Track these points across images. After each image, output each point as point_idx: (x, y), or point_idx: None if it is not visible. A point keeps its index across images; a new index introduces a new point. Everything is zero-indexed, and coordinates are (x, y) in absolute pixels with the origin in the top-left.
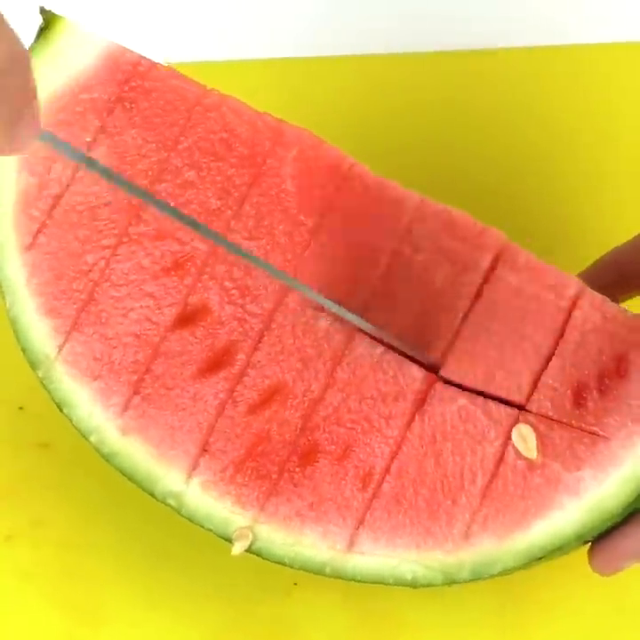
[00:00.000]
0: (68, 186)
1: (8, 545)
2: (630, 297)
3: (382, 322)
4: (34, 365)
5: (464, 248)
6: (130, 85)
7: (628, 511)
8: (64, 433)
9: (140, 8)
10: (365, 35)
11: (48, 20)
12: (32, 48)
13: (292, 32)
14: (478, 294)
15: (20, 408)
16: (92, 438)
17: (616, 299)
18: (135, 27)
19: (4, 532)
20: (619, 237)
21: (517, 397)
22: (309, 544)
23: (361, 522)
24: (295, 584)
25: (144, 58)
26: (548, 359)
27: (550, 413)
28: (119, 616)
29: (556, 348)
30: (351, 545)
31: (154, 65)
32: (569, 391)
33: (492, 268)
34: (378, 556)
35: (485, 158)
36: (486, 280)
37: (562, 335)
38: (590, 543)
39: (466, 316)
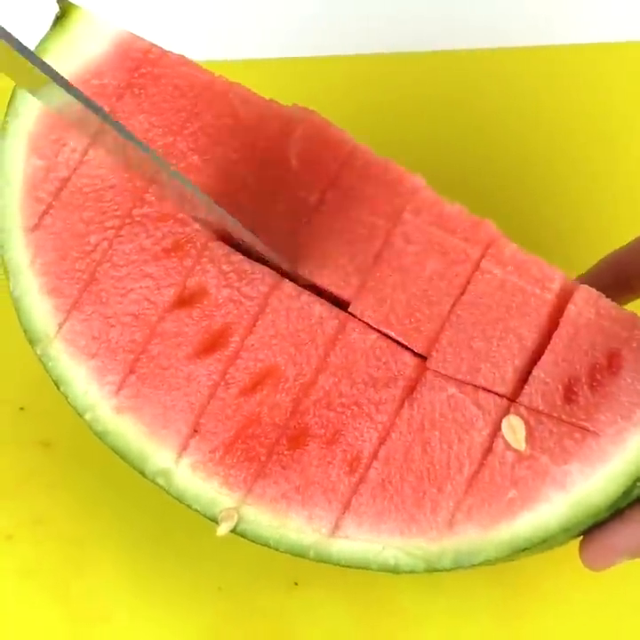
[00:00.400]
0: (75, 169)
1: (10, 543)
2: (630, 300)
3: (372, 306)
4: (33, 343)
5: (455, 241)
6: (140, 72)
7: (615, 508)
8: (65, 432)
9: (140, 8)
10: (365, 35)
11: (64, 9)
12: (48, 36)
13: (291, 32)
14: (466, 286)
15: (22, 408)
16: (87, 416)
17: (617, 302)
18: (135, 27)
19: (6, 531)
20: (619, 236)
21: (501, 389)
22: (295, 527)
23: (347, 506)
24: (296, 583)
25: (155, 45)
26: (533, 352)
27: (541, 407)
28: (121, 613)
29: (540, 342)
30: (336, 529)
31: (164, 52)
32: (560, 386)
33: (480, 260)
34: (362, 541)
35: (485, 158)
36: (473, 272)
37: (551, 329)
38: (580, 538)
39: (452, 308)
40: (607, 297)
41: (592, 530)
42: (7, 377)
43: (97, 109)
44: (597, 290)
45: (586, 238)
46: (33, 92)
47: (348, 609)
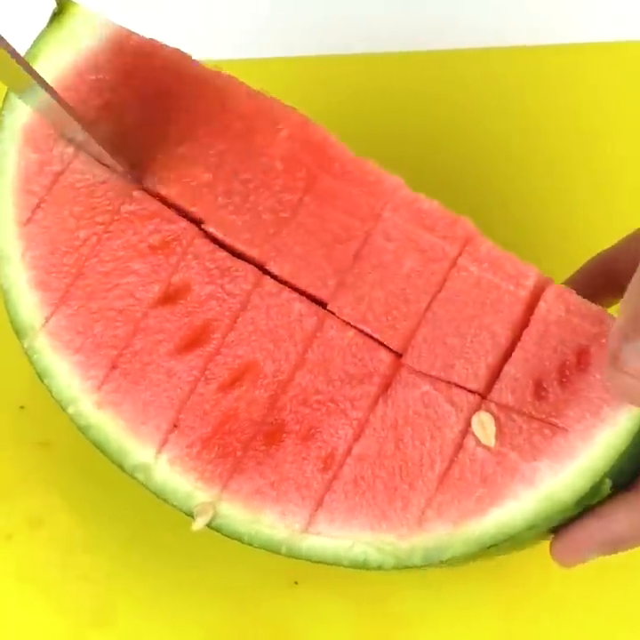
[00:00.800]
0: (68, 163)
1: (8, 544)
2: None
3: (351, 303)
4: (20, 335)
5: (433, 238)
6: (134, 66)
7: (583, 505)
8: (64, 432)
9: (140, 8)
10: (365, 34)
11: (61, 6)
12: (45, 32)
13: (291, 32)
14: (443, 283)
15: (21, 407)
16: (70, 410)
17: (607, 301)
18: (136, 26)
19: (4, 531)
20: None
21: (475, 386)
22: (268, 523)
23: (320, 503)
24: (296, 583)
25: (150, 39)
26: (506, 349)
27: (511, 403)
28: (119, 615)
29: (514, 339)
30: (308, 525)
31: (160, 46)
32: (530, 382)
33: (456, 257)
34: (333, 538)
35: (484, 158)
36: (450, 270)
37: (524, 326)
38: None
39: (429, 305)
40: (597, 297)
41: (559, 528)
42: (7, 377)
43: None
44: (587, 290)
45: (586, 238)
46: (19, 94)
47: (347, 608)
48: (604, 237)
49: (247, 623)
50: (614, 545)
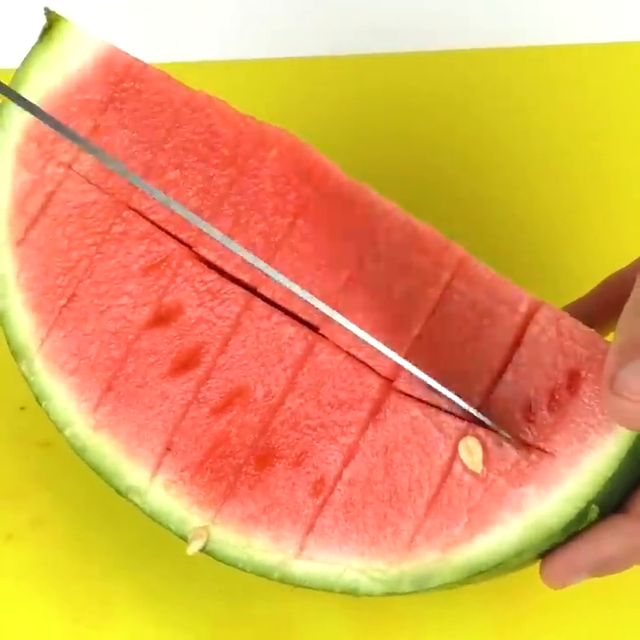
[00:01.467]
0: (60, 183)
1: (9, 544)
2: None
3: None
4: (17, 358)
5: (425, 262)
6: (121, 87)
7: (570, 531)
8: None
9: (140, 8)
10: (365, 35)
11: (51, 21)
12: (35, 48)
13: (290, 32)
14: (435, 308)
15: (22, 408)
16: (66, 432)
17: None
18: (137, 26)
19: (5, 531)
20: (620, 236)
21: (465, 412)
22: (260, 547)
23: (311, 528)
24: (295, 586)
25: (136, 60)
26: (499, 374)
27: (499, 427)
28: (119, 615)
29: (507, 363)
30: (300, 550)
31: (145, 67)
32: (519, 405)
33: (450, 280)
34: (325, 563)
35: (483, 158)
36: (443, 293)
37: (516, 348)
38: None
39: (421, 329)
40: (606, 321)
41: (548, 553)
42: (7, 377)
43: (74, 137)
44: (595, 315)
45: (587, 239)
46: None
47: (346, 612)
48: (605, 238)
49: (246, 626)
50: (602, 568)
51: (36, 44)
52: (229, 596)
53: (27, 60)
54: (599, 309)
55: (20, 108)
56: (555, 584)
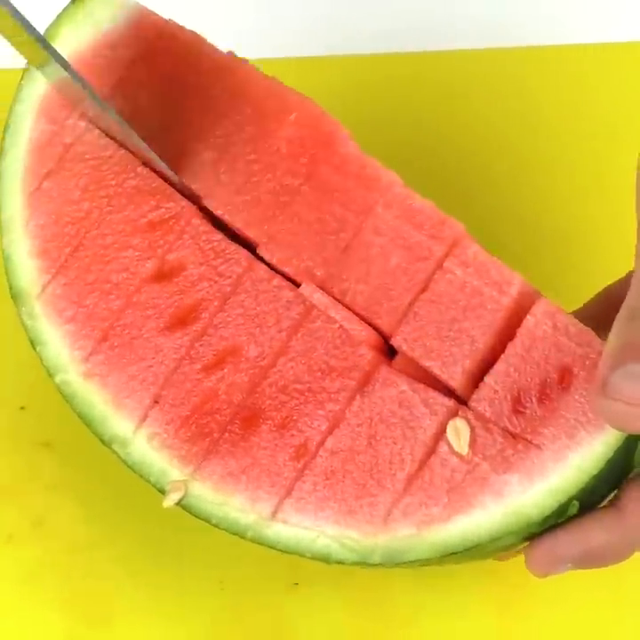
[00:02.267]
0: (79, 136)
1: (10, 544)
2: None
3: (338, 293)
4: (16, 301)
5: (421, 236)
6: (154, 44)
7: (548, 524)
8: (66, 432)
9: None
10: (365, 35)
11: None
12: (66, 8)
13: (291, 32)
14: (426, 284)
15: (22, 407)
16: (57, 378)
17: None
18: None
19: (6, 532)
20: (620, 238)
21: (449, 389)
22: (237, 506)
23: (289, 491)
24: (296, 584)
25: (169, 21)
26: (484, 355)
27: (488, 414)
28: (121, 616)
29: (493, 346)
30: (276, 512)
31: (176, 27)
32: (510, 396)
33: (443, 259)
34: (299, 528)
35: (484, 158)
36: (435, 270)
37: (507, 336)
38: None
39: (411, 305)
40: (605, 329)
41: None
42: (7, 377)
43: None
44: (599, 322)
45: (587, 239)
46: (37, 67)
47: (347, 609)
48: (605, 238)
49: (247, 623)
50: (587, 560)
51: (68, 5)
52: (231, 595)
53: (57, 20)
54: (600, 317)
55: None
56: (538, 571)
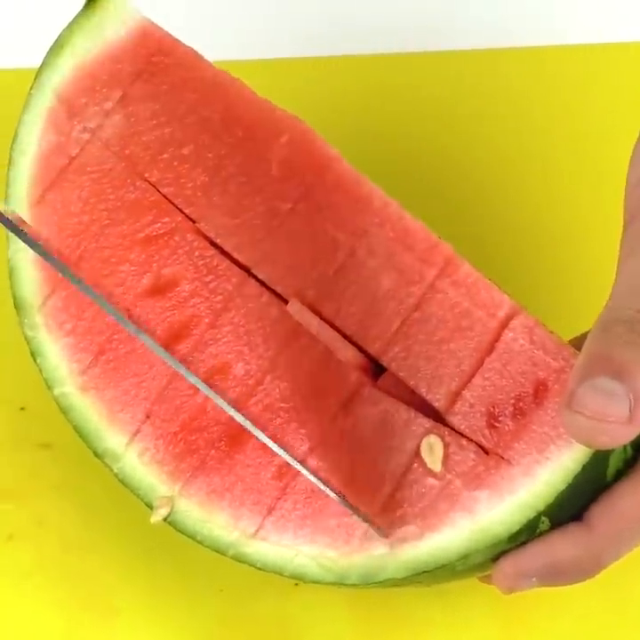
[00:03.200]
0: (83, 148)
1: (10, 545)
2: None
3: (328, 314)
4: (18, 310)
5: (413, 259)
6: (152, 60)
7: (518, 541)
8: (66, 433)
9: (145, 9)
10: (365, 35)
11: None
12: (76, 18)
13: (290, 32)
14: (417, 305)
15: (22, 408)
16: (56, 391)
17: None
18: None
19: (6, 532)
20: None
21: (432, 411)
22: (220, 524)
23: (271, 510)
24: (296, 584)
25: (169, 35)
26: (469, 377)
27: (462, 430)
28: (120, 616)
29: (478, 367)
30: (257, 531)
31: (176, 43)
32: (485, 410)
33: (434, 280)
34: (279, 546)
35: (484, 158)
36: (427, 292)
37: (489, 353)
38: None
39: (402, 326)
40: None
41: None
42: (7, 377)
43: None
44: None
45: (587, 240)
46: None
47: (347, 611)
48: (605, 239)
49: (248, 625)
50: (553, 576)
51: (81, 11)
52: (231, 596)
53: (66, 29)
54: None
55: (54, 70)
56: (502, 585)
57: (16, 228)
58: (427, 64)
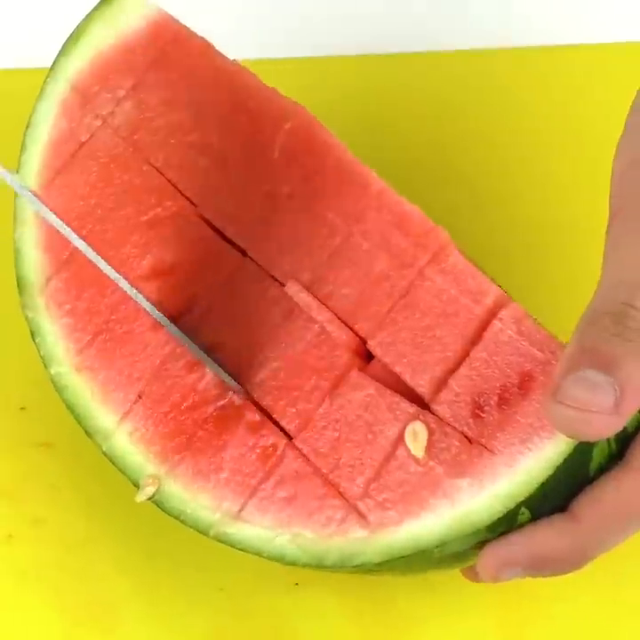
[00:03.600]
0: (93, 134)
1: (9, 544)
2: None
3: (322, 296)
4: (21, 290)
5: (406, 244)
6: (167, 50)
7: (497, 531)
8: (66, 433)
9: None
10: (365, 35)
11: None
12: (94, 9)
13: (289, 33)
14: (406, 291)
15: (22, 408)
16: (52, 370)
17: None
18: None
19: (5, 532)
20: None
21: (417, 397)
22: (204, 504)
23: (254, 492)
24: (296, 584)
25: (185, 28)
26: (453, 364)
27: (447, 418)
28: (120, 616)
29: (463, 355)
30: (239, 512)
31: (191, 35)
32: (470, 400)
33: (424, 266)
34: (260, 527)
35: (483, 158)
36: (416, 278)
37: (475, 342)
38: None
39: (389, 311)
40: None
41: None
42: (8, 377)
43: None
44: None
45: (584, 238)
46: None
47: (348, 610)
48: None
49: (248, 624)
50: (537, 566)
51: (97, 4)
52: (231, 596)
53: (84, 20)
54: None
55: (70, 60)
56: (486, 574)
57: (27, 191)
58: (426, 64)
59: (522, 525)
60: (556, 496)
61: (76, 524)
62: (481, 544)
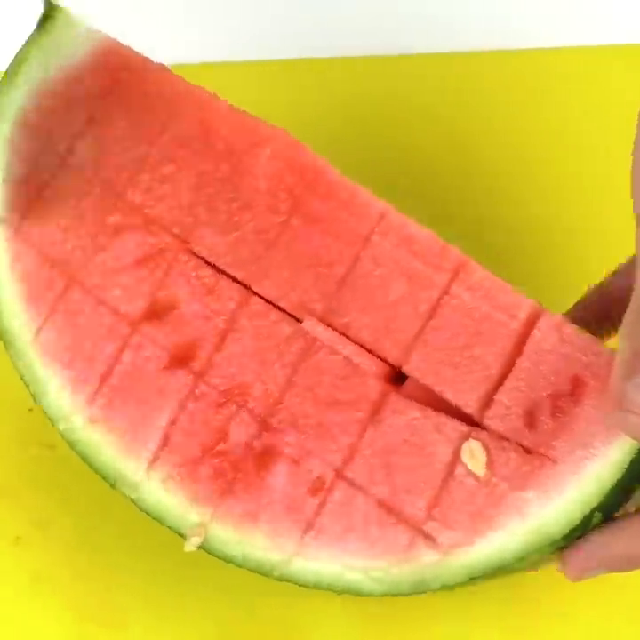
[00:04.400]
0: (54, 174)
1: (17, 546)
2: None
3: (340, 327)
4: (7, 345)
5: (421, 265)
6: (119, 78)
7: (573, 537)
8: None
9: (139, 8)
10: (363, 35)
11: (49, 10)
12: (32, 38)
13: (287, 34)
14: (433, 312)
15: (30, 410)
16: (61, 425)
17: (605, 332)
18: (134, 26)
19: (13, 534)
20: (621, 241)
21: (465, 416)
22: (259, 545)
23: (310, 526)
24: (300, 585)
25: (136, 53)
26: (497, 381)
27: (502, 432)
28: (128, 617)
29: (505, 370)
30: (300, 548)
31: (144, 59)
32: (522, 411)
33: (449, 285)
34: (324, 562)
35: (484, 159)
36: (441, 297)
37: (518, 355)
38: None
39: (419, 334)
40: (594, 327)
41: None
42: (15, 379)
43: None
44: (584, 321)
45: (584, 238)
46: None
47: (352, 612)
48: (604, 239)
49: (251, 626)
50: (620, 565)
51: (34, 31)
52: (235, 597)
53: (25, 47)
54: (599, 314)
55: (14, 97)
56: (571, 575)
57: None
58: (426, 66)
59: (594, 527)
60: (622, 494)
61: (84, 525)
62: (559, 549)
